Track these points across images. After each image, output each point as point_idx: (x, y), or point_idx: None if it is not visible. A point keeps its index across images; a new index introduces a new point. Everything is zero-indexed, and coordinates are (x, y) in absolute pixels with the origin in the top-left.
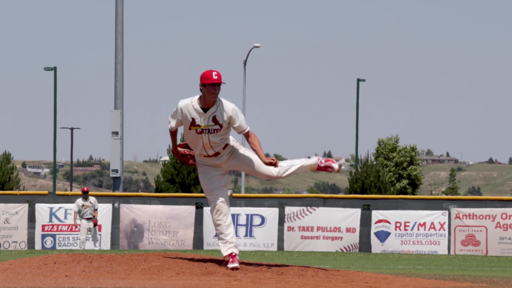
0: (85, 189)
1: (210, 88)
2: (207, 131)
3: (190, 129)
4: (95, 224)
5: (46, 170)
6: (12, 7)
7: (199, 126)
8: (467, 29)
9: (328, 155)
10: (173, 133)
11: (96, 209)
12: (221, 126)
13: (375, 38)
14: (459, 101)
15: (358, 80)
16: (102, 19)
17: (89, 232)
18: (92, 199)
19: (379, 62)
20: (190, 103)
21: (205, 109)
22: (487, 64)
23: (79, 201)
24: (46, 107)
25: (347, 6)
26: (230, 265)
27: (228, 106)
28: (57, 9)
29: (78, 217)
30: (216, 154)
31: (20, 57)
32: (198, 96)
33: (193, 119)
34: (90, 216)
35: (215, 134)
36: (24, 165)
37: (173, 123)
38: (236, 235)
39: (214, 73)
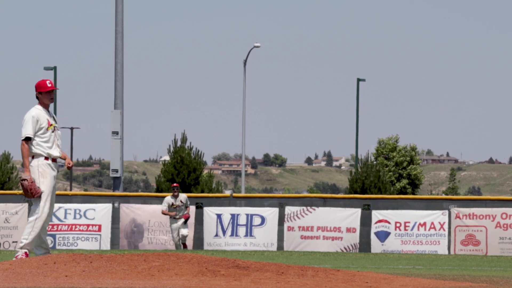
0: (175, 184)
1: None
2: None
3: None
4: (185, 220)
5: None
6: (12, 7)
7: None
8: (467, 29)
9: (328, 155)
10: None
11: (188, 207)
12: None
13: (375, 38)
14: (459, 101)
15: (358, 80)
16: (102, 19)
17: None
18: (183, 196)
19: (379, 62)
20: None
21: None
22: (487, 64)
23: (169, 199)
24: None
25: (347, 6)
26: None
27: None
28: (57, 9)
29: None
30: None
31: (20, 57)
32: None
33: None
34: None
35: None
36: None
37: None
38: (236, 235)
39: (48, 81)
